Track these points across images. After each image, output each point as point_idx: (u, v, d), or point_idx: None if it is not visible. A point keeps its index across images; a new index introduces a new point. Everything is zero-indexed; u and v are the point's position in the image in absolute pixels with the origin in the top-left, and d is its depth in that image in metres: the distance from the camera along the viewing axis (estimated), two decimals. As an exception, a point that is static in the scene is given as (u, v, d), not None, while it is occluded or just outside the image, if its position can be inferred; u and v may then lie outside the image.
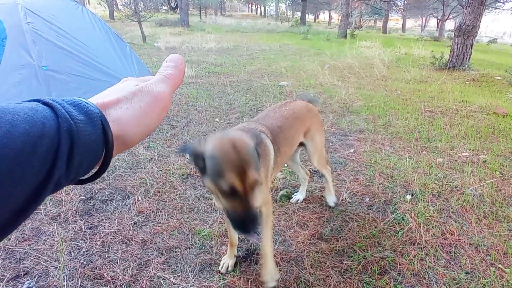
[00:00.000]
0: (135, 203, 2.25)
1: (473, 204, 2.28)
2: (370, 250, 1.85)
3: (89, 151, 0.33)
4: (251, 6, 58.03)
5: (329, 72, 6.52)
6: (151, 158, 2.86)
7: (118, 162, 2.76)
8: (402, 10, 32.31)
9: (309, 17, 41.12)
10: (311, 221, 2.09)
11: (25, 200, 0.29)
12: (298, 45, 11.80)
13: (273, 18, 34.92)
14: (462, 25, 7.03)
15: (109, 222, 2.11)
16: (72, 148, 0.30)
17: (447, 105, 4.61)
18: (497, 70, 7.13)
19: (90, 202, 2.27)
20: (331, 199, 2.21)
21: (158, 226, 2.04)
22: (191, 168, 2.71)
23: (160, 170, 2.68)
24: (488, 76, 6.49)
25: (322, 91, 5.01)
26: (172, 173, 2.64)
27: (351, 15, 31.28)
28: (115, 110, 0.36)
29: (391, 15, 34.06)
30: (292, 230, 2.02)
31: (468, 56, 7.11)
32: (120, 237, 1.99)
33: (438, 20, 26.28)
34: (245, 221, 1.01)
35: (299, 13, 23.38)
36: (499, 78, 6.27)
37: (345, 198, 2.30)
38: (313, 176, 2.60)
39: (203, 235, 1.95)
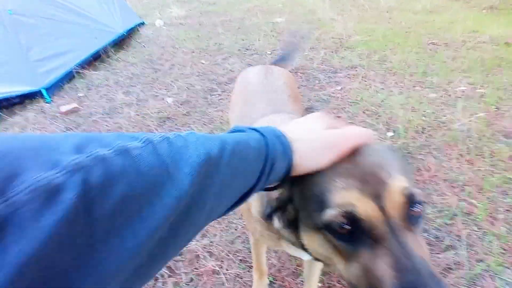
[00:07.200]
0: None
1: (458, 139, 2.17)
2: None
3: (277, 174, 0.49)
4: None
5: (330, 5, 5.97)
6: (130, 103, 2.79)
7: (95, 108, 2.71)
8: None
9: None
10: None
11: (240, 196, 0.45)
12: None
13: None
14: None
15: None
16: (270, 171, 0.46)
17: (454, 36, 4.21)
18: (521, -5, 6.36)
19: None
20: None
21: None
22: (169, 112, 2.64)
23: (138, 115, 2.63)
24: (508, 3, 5.82)
25: (318, 26, 4.63)
26: (150, 117, 2.58)
27: None
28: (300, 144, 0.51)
29: None
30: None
31: (489, -20, 6.31)
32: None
33: None
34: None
35: None
36: (520, 4, 5.62)
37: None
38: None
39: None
